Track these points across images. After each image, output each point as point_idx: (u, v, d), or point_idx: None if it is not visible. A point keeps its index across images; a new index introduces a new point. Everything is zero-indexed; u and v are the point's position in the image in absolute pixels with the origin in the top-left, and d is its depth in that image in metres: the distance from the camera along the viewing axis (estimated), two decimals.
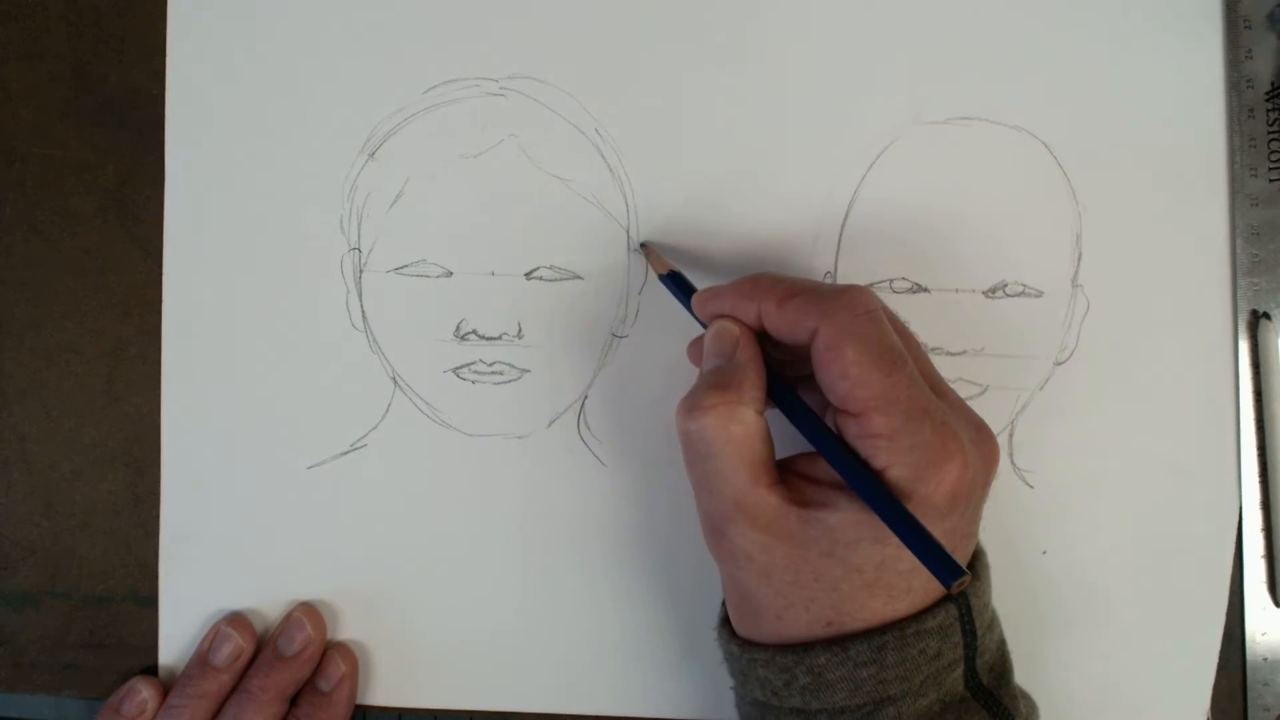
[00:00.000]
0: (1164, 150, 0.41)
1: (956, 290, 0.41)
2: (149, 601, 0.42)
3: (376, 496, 0.42)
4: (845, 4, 0.41)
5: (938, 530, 0.31)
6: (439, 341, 0.41)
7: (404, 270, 0.41)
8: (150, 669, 0.42)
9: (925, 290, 0.41)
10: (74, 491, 0.42)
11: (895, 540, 0.30)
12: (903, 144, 0.41)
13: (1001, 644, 0.36)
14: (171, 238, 0.42)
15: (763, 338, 0.35)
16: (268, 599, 0.42)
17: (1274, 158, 0.41)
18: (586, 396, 0.42)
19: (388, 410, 0.42)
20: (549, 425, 0.42)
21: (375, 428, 0.42)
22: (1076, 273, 0.41)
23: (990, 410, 0.42)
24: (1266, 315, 0.41)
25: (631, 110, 0.41)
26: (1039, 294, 0.41)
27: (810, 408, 0.34)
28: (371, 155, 0.41)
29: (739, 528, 0.32)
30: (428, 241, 0.41)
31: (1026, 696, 0.37)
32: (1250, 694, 0.42)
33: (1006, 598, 0.42)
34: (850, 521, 0.31)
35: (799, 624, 0.33)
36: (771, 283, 0.34)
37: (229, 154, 0.41)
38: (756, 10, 0.41)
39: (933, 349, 0.41)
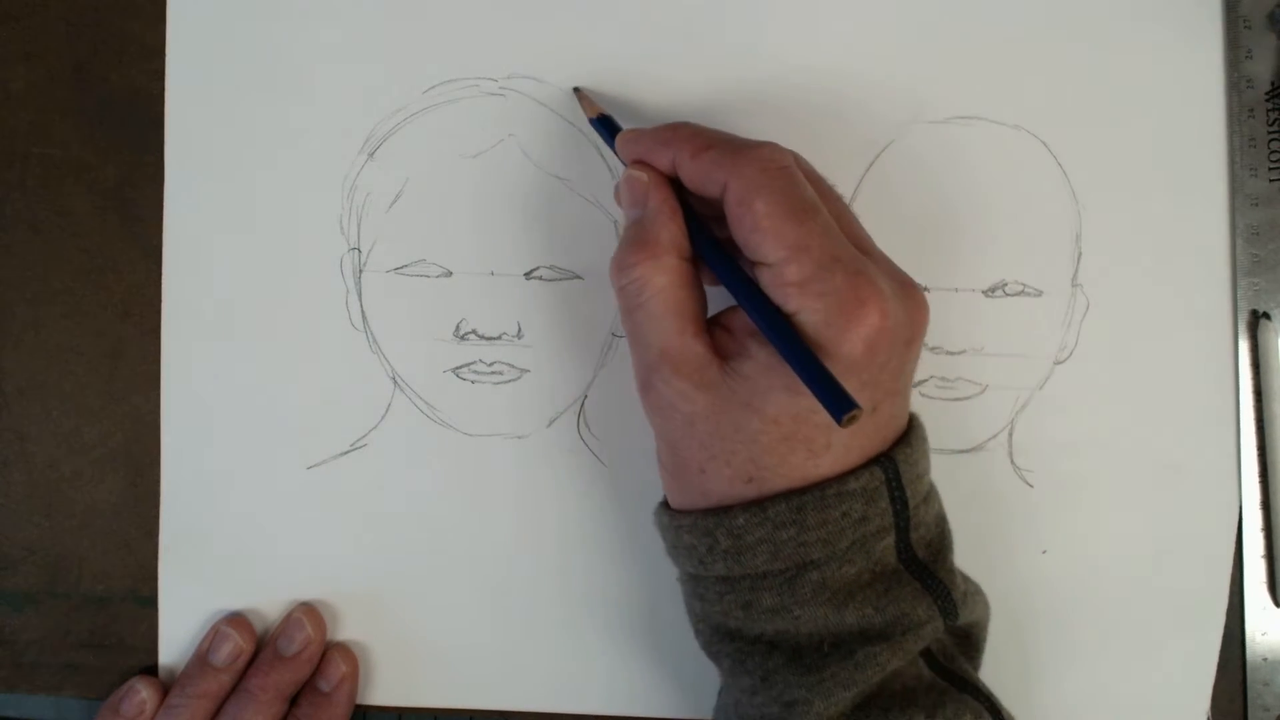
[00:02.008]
0: (1164, 150, 0.41)
1: (956, 290, 0.41)
2: (149, 601, 0.42)
3: (376, 496, 0.42)
4: (845, 4, 0.41)
5: (854, 380, 0.31)
6: (439, 341, 0.41)
7: (404, 270, 0.41)
8: (150, 669, 0.42)
9: (925, 290, 0.41)
10: (74, 491, 0.42)
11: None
12: (903, 144, 0.41)
13: (941, 521, 0.36)
14: (171, 238, 0.42)
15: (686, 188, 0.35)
16: (268, 599, 0.42)
17: (1274, 158, 0.41)
18: (586, 396, 0.42)
19: (388, 410, 0.42)
20: (549, 425, 0.42)
21: (375, 428, 0.42)
22: (1076, 272, 0.41)
23: (990, 410, 0.42)
24: (1266, 315, 0.41)
25: (631, 110, 0.41)
26: (1039, 293, 0.41)
27: (723, 250, 0.33)
28: (371, 155, 0.41)
29: (663, 375, 0.33)
30: (427, 241, 0.41)
31: (970, 580, 0.36)
32: (1250, 694, 0.42)
33: (1006, 598, 0.42)
34: (764, 369, 0.31)
35: (721, 478, 0.33)
36: (689, 133, 0.34)
37: (229, 154, 0.41)
38: (757, 11, 0.41)
39: (932, 348, 0.41)
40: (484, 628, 0.42)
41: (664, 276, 0.33)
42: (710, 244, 0.34)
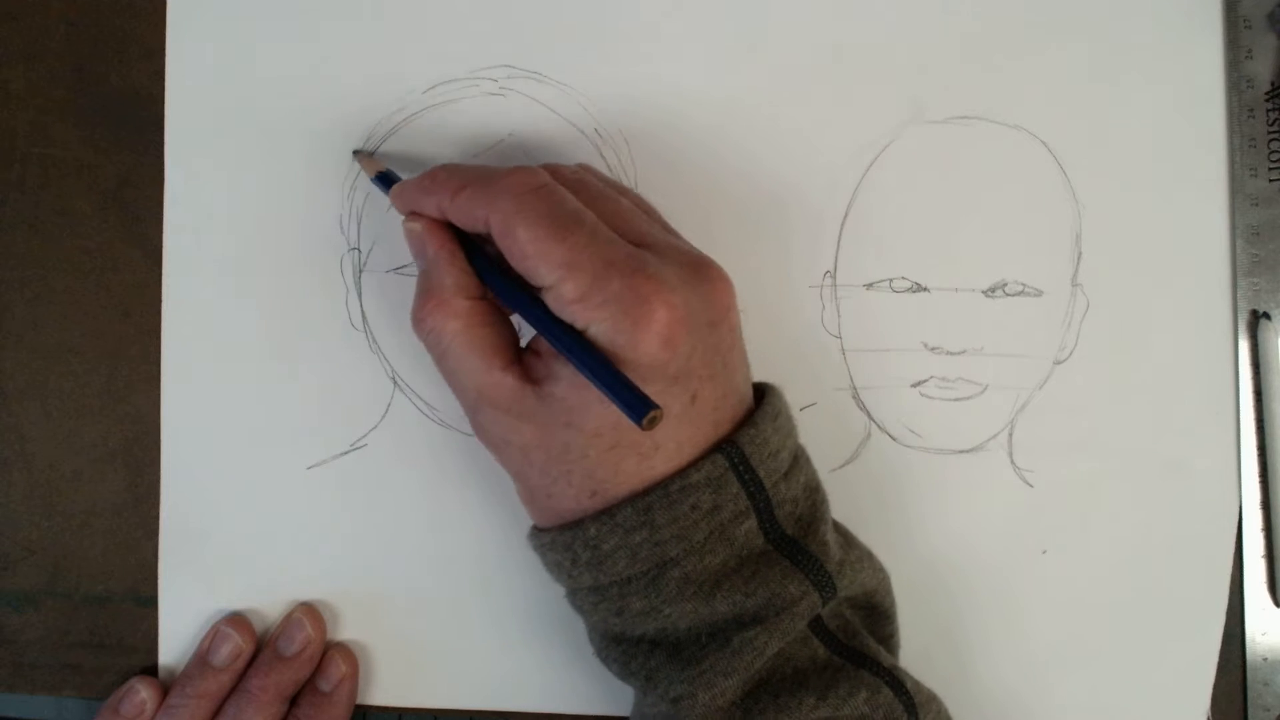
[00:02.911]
0: (1164, 150, 0.41)
1: (956, 290, 0.41)
2: (149, 601, 0.42)
3: (376, 496, 0.42)
4: (846, 4, 0.41)
5: (661, 377, 0.31)
6: None
7: (404, 270, 0.41)
8: (150, 669, 0.42)
9: (925, 290, 0.41)
10: (74, 491, 0.42)
11: None
12: (903, 144, 0.41)
13: (812, 492, 0.35)
14: (171, 238, 0.42)
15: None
16: (268, 599, 0.42)
17: (1274, 158, 0.41)
18: None
19: (388, 410, 0.42)
20: None
21: (375, 428, 0.42)
22: (1076, 272, 0.41)
23: (990, 410, 0.42)
24: (1266, 315, 0.41)
25: (631, 110, 0.41)
26: (1039, 293, 0.41)
27: (507, 279, 0.33)
28: (371, 155, 0.41)
29: (486, 414, 0.33)
30: None
31: (854, 547, 0.36)
32: (1250, 694, 0.42)
33: (1006, 598, 0.42)
34: (573, 386, 0.31)
35: (567, 498, 0.33)
36: (445, 176, 0.34)
37: (229, 154, 0.41)
38: (756, 11, 0.41)
39: (933, 348, 0.41)
40: (484, 628, 0.42)
41: (456, 321, 0.33)
42: (492, 276, 0.34)
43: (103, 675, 0.42)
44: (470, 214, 0.33)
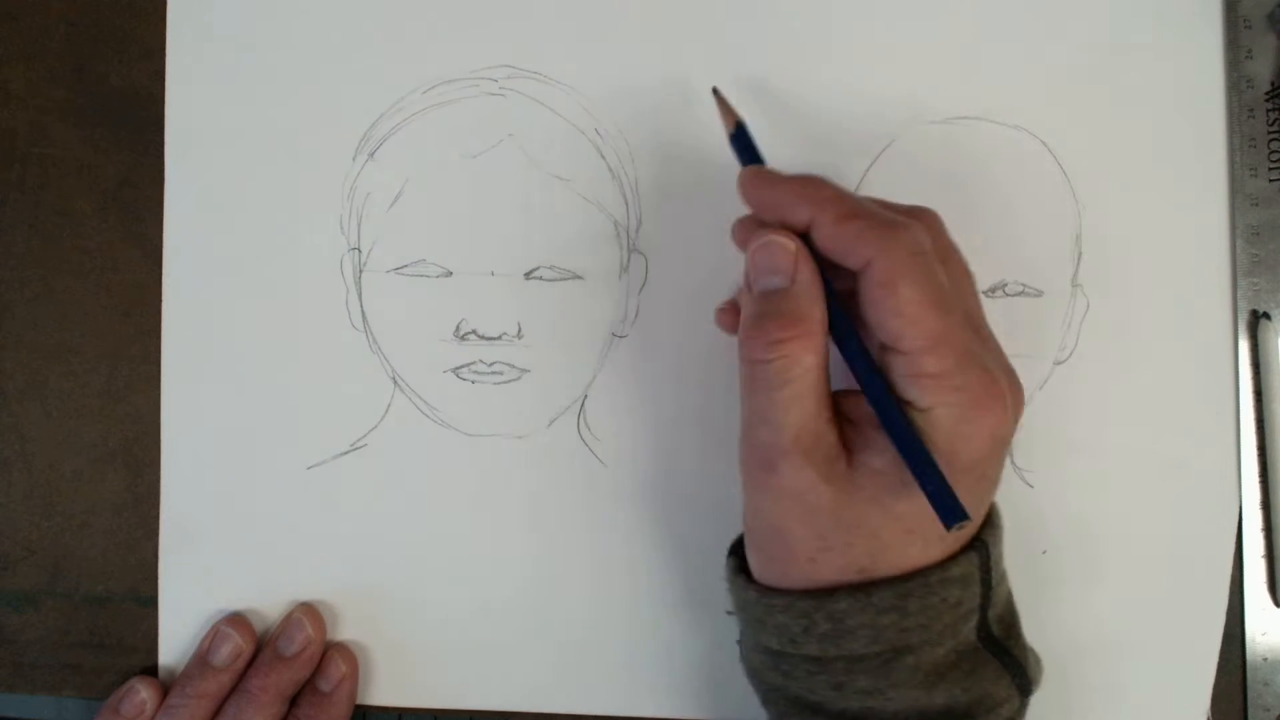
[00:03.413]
0: (1164, 150, 0.41)
1: None
2: (149, 601, 0.42)
3: (376, 496, 0.42)
4: (846, 4, 0.41)
5: (975, 474, 0.31)
6: (439, 341, 0.41)
7: (404, 270, 0.41)
8: (150, 669, 0.42)
9: None
10: (74, 491, 0.42)
11: None
12: (903, 144, 0.41)
13: (1009, 597, 0.36)
14: (171, 238, 0.42)
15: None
16: (268, 599, 0.42)
17: (1274, 158, 0.41)
18: (586, 396, 0.42)
19: (388, 410, 0.42)
20: (549, 425, 0.42)
21: (375, 428, 0.42)
22: (1076, 272, 0.41)
23: None
24: (1266, 315, 0.41)
25: (632, 110, 0.41)
26: (1039, 294, 0.41)
27: (857, 334, 0.32)
28: (371, 155, 0.41)
29: (793, 463, 0.31)
30: (427, 241, 0.41)
31: (1033, 651, 0.36)
32: (1250, 694, 0.42)
33: None
34: (894, 464, 0.31)
35: (831, 568, 0.32)
36: (832, 195, 0.32)
37: (229, 154, 0.41)
38: (757, 11, 0.41)
39: None
40: (484, 628, 0.42)
41: (814, 356, 0.31)
42: (846, 327, 0.32)
43: (103, 675, 0.43)
44: (851, 247, 0.31)
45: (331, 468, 0.42)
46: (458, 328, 0.41)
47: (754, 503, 0.33)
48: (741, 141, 0.36)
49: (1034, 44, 0.41)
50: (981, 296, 0.41)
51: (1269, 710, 0.42)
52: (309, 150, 0.41)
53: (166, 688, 0.41)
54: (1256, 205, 0.41)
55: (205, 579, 0.42)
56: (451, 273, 0.41)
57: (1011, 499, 0.42)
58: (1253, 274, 0.41)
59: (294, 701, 0.41)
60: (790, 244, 0.32)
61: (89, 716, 0.43)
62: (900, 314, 0.30)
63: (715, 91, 0.38)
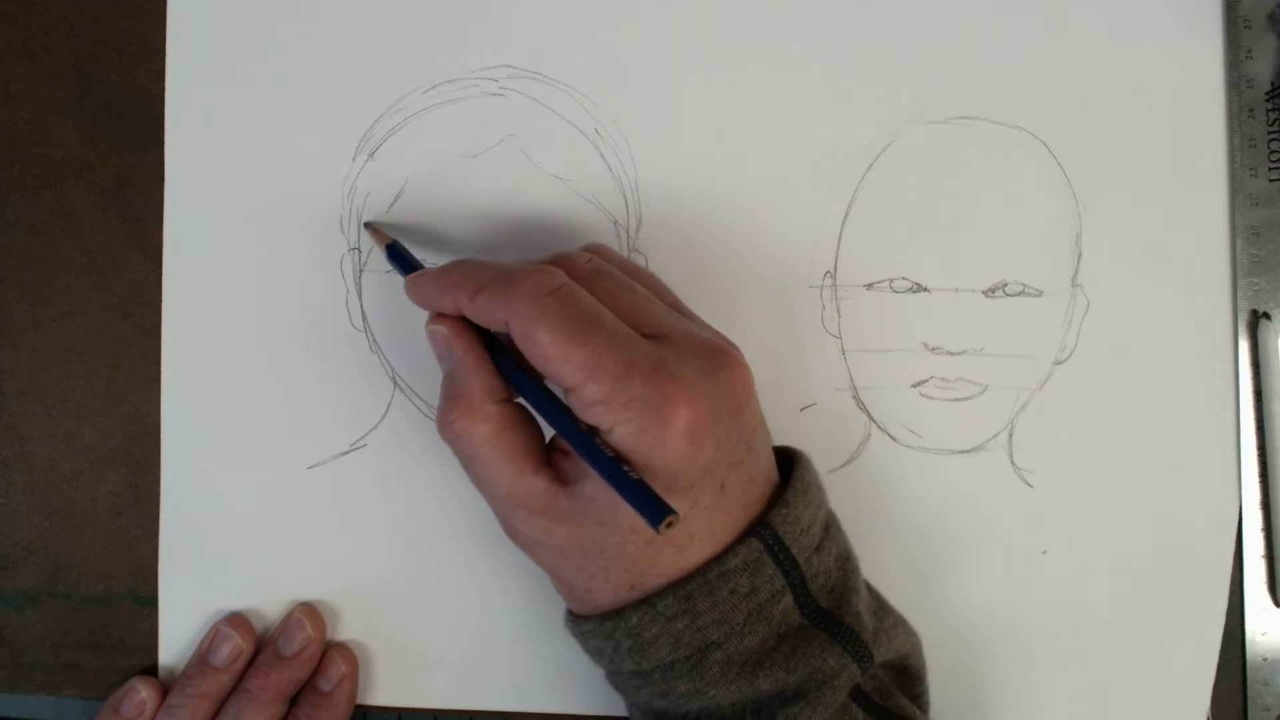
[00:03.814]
0: (1164, 150, 0.41)
1: (956, 290, 0.41)
2: (149, 601, 0.42)
3: (376, 496, 0.42)
4: (846, 4, 0.41)
5: (691, 472, 0.31)
6: None
7: None
8: (150, 669, 0.42)
9: (925, 290, 0.41)
10: (74, 491, 0.42)
11: None
12: (903, 144, 0.41)
13: (843, 561, 0.35)
14: (171, 238, 0.42)
15: None
16: (268, 599, 0.42)
17: (1274, 158, 0.41)
18: None
19: (388, 410, 0.42)
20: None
21: (375, 428, 0.42)
22: (1076, 272, 0.41)
23: (990, 410, 0.42)
24: (1266, 315, 0.41)
25: (632, 110, 0.41)
26: (1039, 294, 0.41)
27: (530, 381, 0.34)
28: (371, 155, 0.41)
29: (519, 517, 0.33)
30: (427, 241, 0.41)
31: (887, 614, 0.36)
32: (1250, 694, 0.42)
33: (1006, 598, 0.42)
34: (604, 487, 0.31)
35: (606, 593, 0.33)
36: (461, 275, 0.34)
37: (229, 154, 0.41)
38: (757, 10, 0.41)
39: (933, 349, 0.41)
40: (484, 628, 0.42)
41: (485, 426, 0.33)
42: (516, 376, 0.34)
43: (103, 675, 0.43)
44: (489, 316, 0.33)
45: (331, 468, 0.42)
46: None
47: (530, 557, 0.35)
48: (397, 256, 0.38)
49: (1034, 44, 0.41)
50: (981, 296, 0.41)
51: (1269, 710, 0.42)
52: (309, 150, 0.41)
53: (166, 688, 0.41)
54: (1256, 205, 0.41)
55: (205, 579, 0.42)
56: None
57: (1011, 499, 0.42)
58: (1253, 274, 0.41)
59: (294, 701, 0.41)
60: (441, 328, 0.35)
61: (89, 716, 0.43)
62: (547, 358, 0.31)
63: (367, 225, 0.41)
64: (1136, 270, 0.41)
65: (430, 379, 0.41)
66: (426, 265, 0.41)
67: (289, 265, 0.41)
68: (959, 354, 0.41)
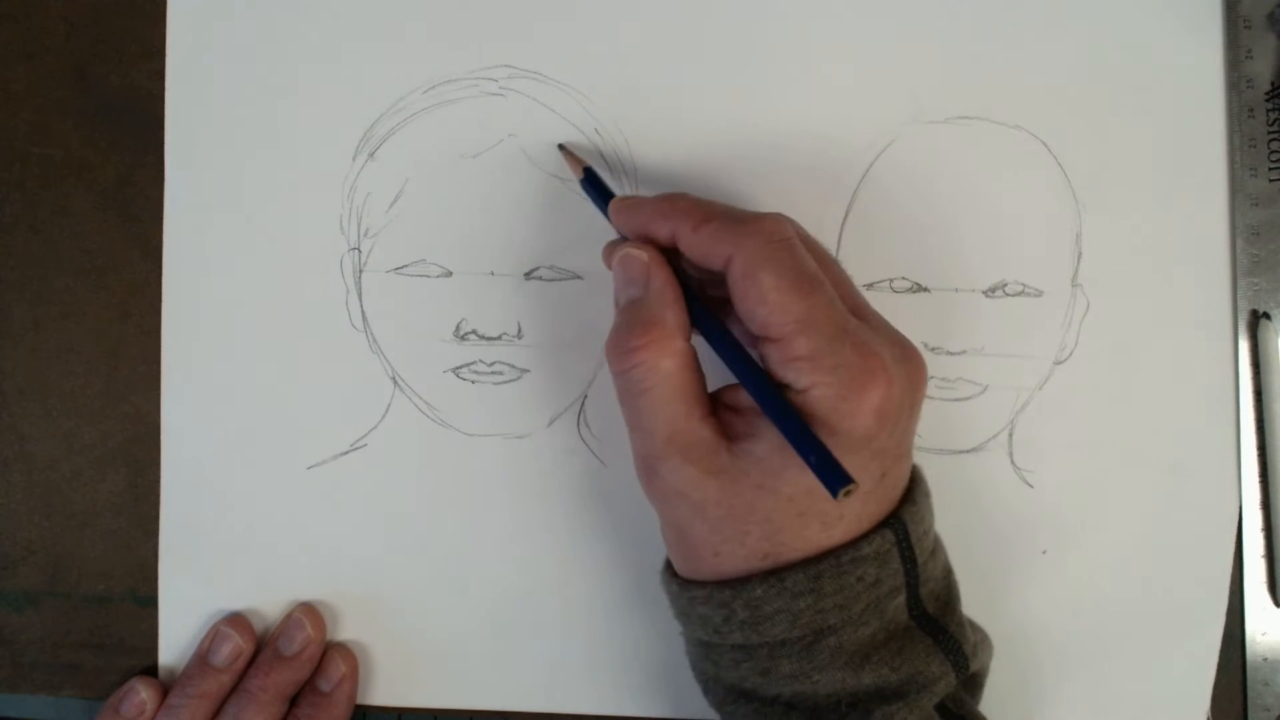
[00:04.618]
0: (1164, 150, 0.41)
1: (956, 290, 0.41)
2: (149, 601, 0.42)
3: (376, 496, 0.42)
4: (846, 4, 0.41)
5: (866, 450, 0.31)
6: (439, 341, 0.41)
7: (404, 270, 0.41)
8: (150, 669, 0.42)
9: (925, 290, 0.41)
10: (74, 491, 0.42)
11: None
12: (903, 144, 0.41)
13: (948, 574, 0.36)
14: (171, 238, 0.42)
15: (683, 258, 0.34)
16: (268, 599, 0.42)
17: (1274, 158, 0.41)
18: (586, 396, 0.42)
19: (388, 410, 0.42)
20: (549, 425, 0.42)
21: (375, 428, 0.42)
22: (1076, 272, 0.41)
23: (990, 410, 0.42)
24: (1266, 315, 0.41)
25: (632, 111, 0.41)
26: (1039, 294, 0.41)
27: (724, 327, 0.33)
28: (371, 155, 0.41)
29: (671, 464, 0.32)
30: (427, 241, 0.41)
31: (976, 628, 0.37)
32: (1250, 694, 0.42)
33: (1006, 598, 0.42)
34: (775, 449, 0.31)
35: (735, 558, 0.32)
36: (689, 205, 0.33)
37: (229, 154, 0.41)
38: (757, 10, 0.41)
39: (933, 349, 0.41)
40: (484, 628, 0.42)
41: (671, 360, 0.32)
42: (711, 322, 0.33)
43: (103, 675, 0.43)
44: (711, 249, 0.32)
45: (331, 468, 0.42)
46: (457, 328, 0.41)
47: (654, 506, 0.34)
48: (594, 183, 0.38)
49: (1034, 44, 0.41)
50: (981, 296, 0.41)
51: (1269, 710, 0.42)
52: (309, 150, 0.41)
53: (166, 688, 0.41)
54: (1256, 205, 0.41)
55: (205, 579, 0.42)
56: (451, 273, 0.41)
57: (1011, 499, 0.42)
58: (1253, 274, 0.41)
59: (294, 701, 0.41)
60: (642, 254, 0.34)
61: (89, 716, 0.43)
62: (764, 301, 0.31)
63: (561, 147, 0.40)
64: (1136, 270, 0.41)
65: (430, 379, 0.41)
66: (428, 262, 0.41)
67: (289, 265, 0.41)
68: (959, 354, 0.41)
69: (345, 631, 0.42)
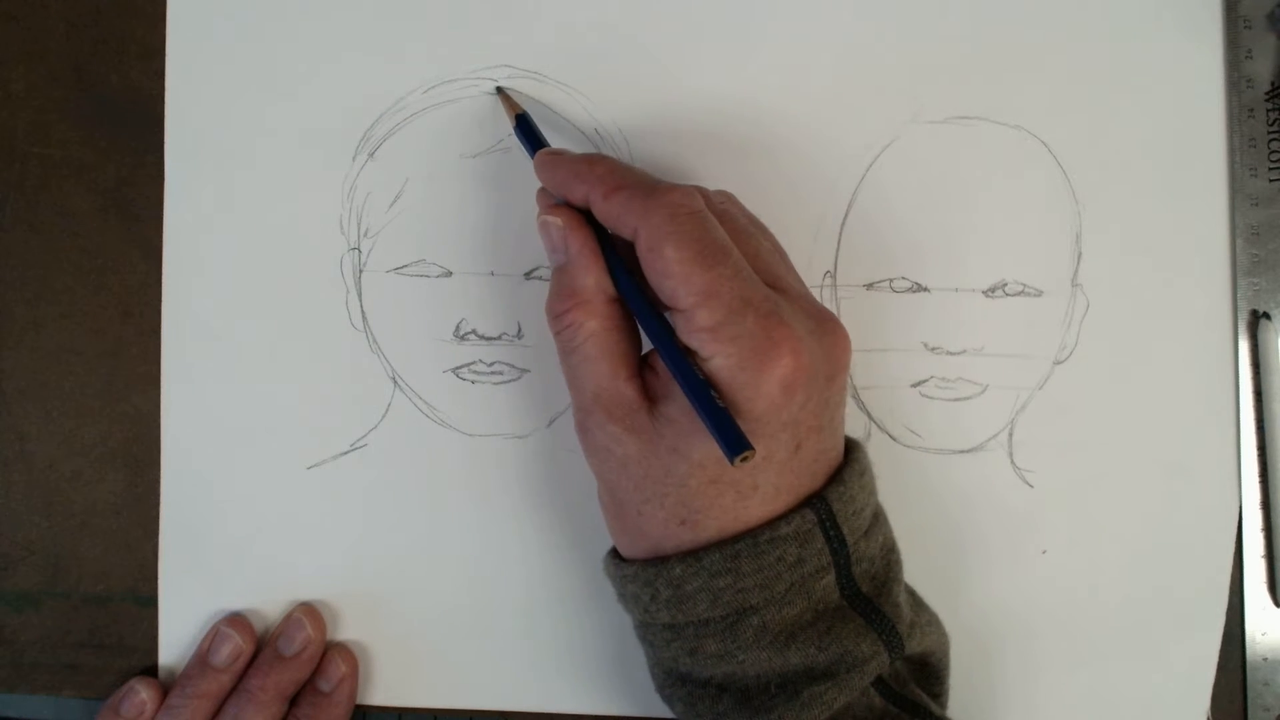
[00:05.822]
0: (1164, 150, 0.41)
1: (956, 290, 0.41)
2: (149, 601, 0.42)
3: (376, 496, 0.42)
4: (846, 4, 0.41)
5: (773, 421, 0.31)
6: (439, 341, 0.41)
7: (404, 270, 0.41)
8: (150, 669, 0.42)
9: (925, 290, 0.41)
10: (74, 491, 0.42)
11: None
12: (903, 143, 0.41)
13: (888, 552, 0.36)
14: (171, 238, 0.42)
15: None
16: (268, 599, 0.42)
17: (1274, 158, 0.41)
18: None
19: (388, 410, 0.42)
20: (549, 425, 0.42)
21: (375, 428, 0.42)
22: (1076, 272, 0.41)
23: (990, 410, 0.42)
24: (1266, 315, 0.41)
25: (631, 110, 0.41)
26: (1039, 293, 0.41)
27: (639, 291, 0.34)
28: (371, 155, 0.41)
29: (597, 419, 0.33)
30: (427, 241, 0.41)
31: (924, 609, 0.37)
32: (1250, 694, 0.42)
33: (1006, 598, 0.42)
34: (687, 413, 0.32)
35: (656, 521, 0.33)
36: (603, 171, 0.34)
37: (229, 154, 0.41)
38: (757, 10, 0.41)
39: (933, 349, 0.41)
40: (484, 628, 0.42)
41: (595, 321, 0.33)
42: (627, 285, 0.34)
43: (103, 675, 0.43)
44: (619, 218, 0.33)
45: (331, 468, 0.42)
46: (458, 328, 0.41)
47: (589, 464, 0.35)
48: (526, 130, 0.38)
49: (1034, 44, 0.41)
50: (981, 296, 0.41)
51: (1269, 710, 0.42)
52: (309, 150, 0.41)
53: (166, 688, 0.41)
54: (1256, 205, 0.41)
55: (205, 579, 0.42)
56: (451, 273, 0.41)
57: (1011, 499, 0.42)
58: (1253, 274, 0.41)
59: (294, 701, 0.41)
60: (557, 220, 0.34)
61: (89, 716, 0.43)
62: (668, 274, 0.31)
63: (499, 90, 0.40)
64: (1136, 270, 0.41)
65: (430, 379, 0.41)
66: (428, 262, 0.41)
67: (289, 265, 0.41)
68: (959, 354, 0.41)
69: (345, 631, 0.42)
